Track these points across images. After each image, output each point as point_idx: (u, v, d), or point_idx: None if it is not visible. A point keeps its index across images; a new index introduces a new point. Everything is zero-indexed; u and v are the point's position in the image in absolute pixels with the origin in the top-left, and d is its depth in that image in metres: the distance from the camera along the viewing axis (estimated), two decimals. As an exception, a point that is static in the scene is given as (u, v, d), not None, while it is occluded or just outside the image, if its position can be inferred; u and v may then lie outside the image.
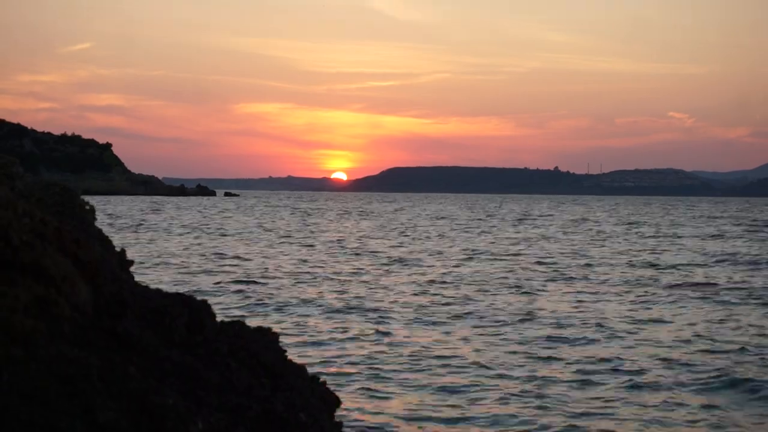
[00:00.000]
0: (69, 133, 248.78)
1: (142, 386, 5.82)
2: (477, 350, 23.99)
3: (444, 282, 40.92)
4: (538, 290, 38.14)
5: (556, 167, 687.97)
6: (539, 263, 50.78)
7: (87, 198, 7.83)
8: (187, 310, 6.69)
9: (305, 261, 50.05)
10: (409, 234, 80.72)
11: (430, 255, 54.58)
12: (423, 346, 24.19)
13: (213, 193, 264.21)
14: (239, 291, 36.42)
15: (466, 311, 31.82)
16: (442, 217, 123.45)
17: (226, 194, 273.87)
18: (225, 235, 71.18)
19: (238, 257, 51.27)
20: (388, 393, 18.69)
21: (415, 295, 35.80)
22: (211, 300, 7.11)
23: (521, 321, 29.76)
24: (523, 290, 37.88)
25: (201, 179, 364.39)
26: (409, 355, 22.79)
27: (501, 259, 51.94)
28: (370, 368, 20.93)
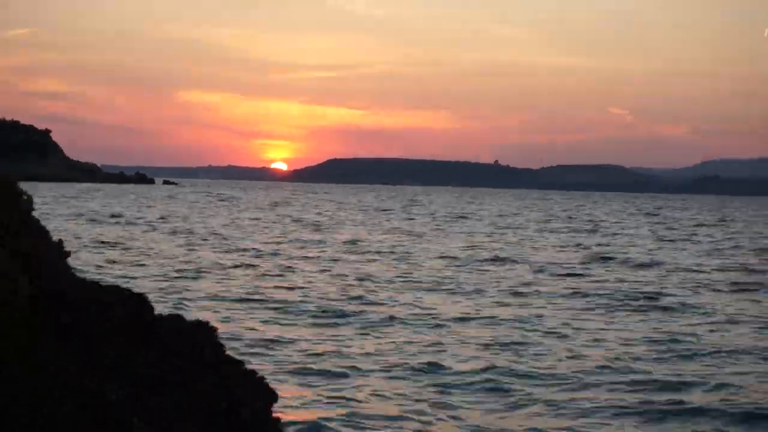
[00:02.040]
0: (8, 119, 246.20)
1: (81, 380, 5.79)
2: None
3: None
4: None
5: (496, 161, 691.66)
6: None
7: (23, 185, 7.74)
8: (126, 303, 6.66)
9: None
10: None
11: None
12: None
13: (152, 181, 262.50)
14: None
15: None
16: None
17: (165, 182, 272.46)
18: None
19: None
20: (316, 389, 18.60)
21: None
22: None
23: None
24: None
25: (141, 167, 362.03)
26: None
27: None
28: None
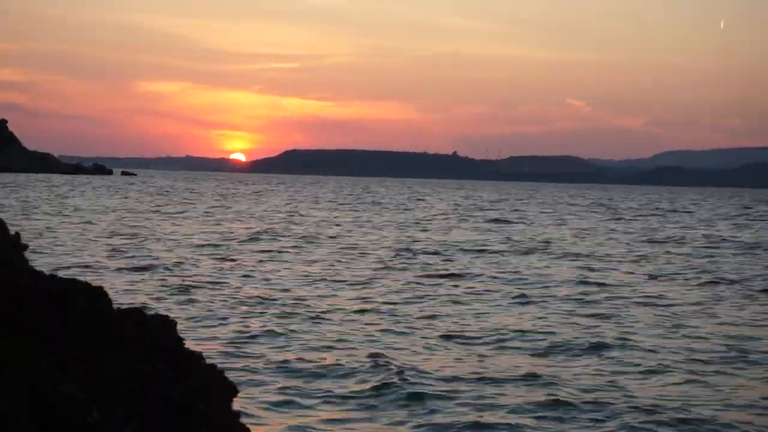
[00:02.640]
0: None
1: (39, 374, 5.76)
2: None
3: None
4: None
5: (455, 152, 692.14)
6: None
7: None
8: (85, 297, 6.64)
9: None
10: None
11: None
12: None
13: (110, 172, 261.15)
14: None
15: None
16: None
17: (123, 173, 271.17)
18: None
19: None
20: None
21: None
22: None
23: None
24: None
25: (99, 157, 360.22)
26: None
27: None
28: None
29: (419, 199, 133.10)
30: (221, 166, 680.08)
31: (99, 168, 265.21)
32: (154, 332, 6.57)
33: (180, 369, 6.56)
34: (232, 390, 7.00)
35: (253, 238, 51.10)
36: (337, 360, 19.84)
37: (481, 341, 22.45)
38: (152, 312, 7.09)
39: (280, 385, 17.73)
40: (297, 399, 16.96)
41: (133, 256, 39.76)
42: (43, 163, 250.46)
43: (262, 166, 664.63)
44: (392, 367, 19.02)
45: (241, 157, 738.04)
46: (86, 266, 35.73)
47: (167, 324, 6.74)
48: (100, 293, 6.56)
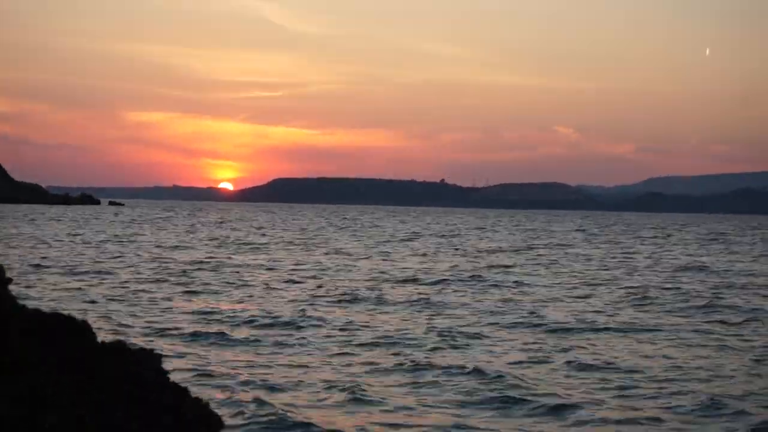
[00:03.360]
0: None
1: (18, 411, 5.74)
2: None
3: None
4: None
5: (443, 180, 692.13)
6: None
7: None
8: (69, 329, 6.61)
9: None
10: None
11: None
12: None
13: (97, 202, 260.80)
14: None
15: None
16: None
17: (111, 203, 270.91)
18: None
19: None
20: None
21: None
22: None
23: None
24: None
25: (87, 188, 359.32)
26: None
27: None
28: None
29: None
30: (209, 195, 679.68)
31: (87, 198, 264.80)
32: (138, 365, 6.55)
33: (165, 402, 6.53)
34: (218, 423, 6.97)
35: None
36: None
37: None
38: (137, 347, 7.07)
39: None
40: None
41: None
42: (31, 194, 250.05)
43: (250, 195, 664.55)
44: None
45: (229, 186, 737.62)
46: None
47: (151, 357, 6.71)
48: (83, 326, 6.54)
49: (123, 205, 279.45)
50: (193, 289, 39.64)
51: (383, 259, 60.75)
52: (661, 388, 20.53)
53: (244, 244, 77.11)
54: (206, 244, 74.86)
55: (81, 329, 6.69)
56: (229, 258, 59.02)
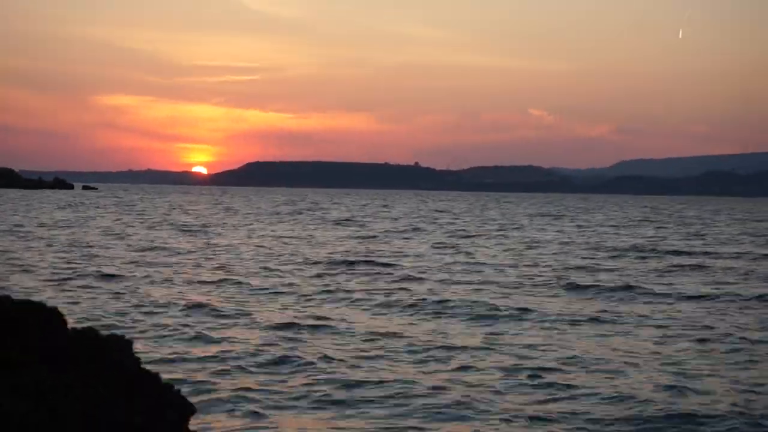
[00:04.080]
0: None
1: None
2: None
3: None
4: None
5: (417, 163, 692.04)
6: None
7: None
8: (39, 318, 6.61)
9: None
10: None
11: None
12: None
13: (71, 187, 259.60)
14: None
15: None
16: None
17: (84, 188, 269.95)
18: None
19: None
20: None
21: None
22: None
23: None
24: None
25: (61, 172, 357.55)
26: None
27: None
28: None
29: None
30: (183, 179, 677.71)
31: (60, 182, 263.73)
32: (110, 352, 6.55)
33: (137, 389, 6.54)
34: (190, 409, 6.98)
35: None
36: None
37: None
38: (109, 332, 7.07)
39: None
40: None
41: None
42: (4, 179, 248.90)
43: (223, 179, 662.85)
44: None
45: (203, 170, 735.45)
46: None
47: (123, 343, 6.71)
48: (53, 313, 6.54)
49: (96, 189, 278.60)
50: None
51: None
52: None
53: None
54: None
55: (50, 316, 6.69)
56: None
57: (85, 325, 7.04)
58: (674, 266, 45.82)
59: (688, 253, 54.65)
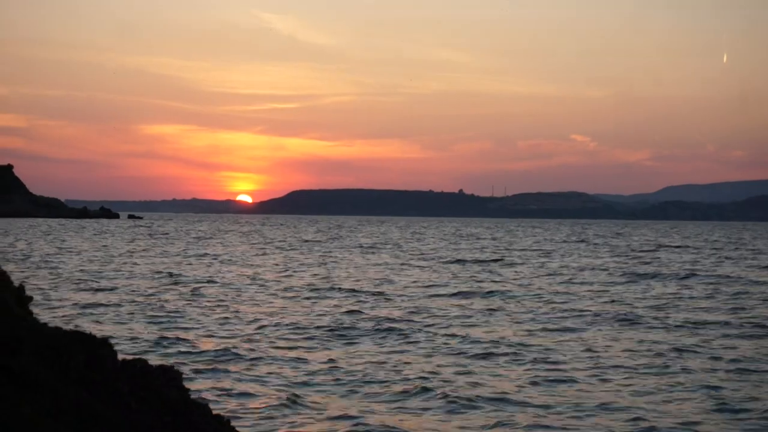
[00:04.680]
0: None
1: (35, 425, 5.64)
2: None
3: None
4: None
5: (461, 190, 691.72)
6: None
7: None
8: (86, 348, 6.52)
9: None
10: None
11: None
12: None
13: (116, 216, 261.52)
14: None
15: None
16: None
17: (130, 216, 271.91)
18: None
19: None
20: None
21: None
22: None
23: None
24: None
25: (105, 201, 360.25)
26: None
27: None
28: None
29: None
30: (227, 207, 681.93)
31: (105, 212, 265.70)
32: (158, 383, 6.45)
33: (185, 421, 6.44)
34: (238, 440, 6.86)
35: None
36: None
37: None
38: (157, 363, 6.97)
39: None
40: None
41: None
42: (50, 208, 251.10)
43: (268, 207, 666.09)
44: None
45: (247, 199, 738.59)
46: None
47: (172, 375, 6.61)
48: (102, 344, 6.45)
49: (141, 218, 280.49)
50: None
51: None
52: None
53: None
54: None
55: (101, 347, 6.59)
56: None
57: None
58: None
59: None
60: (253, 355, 25.27)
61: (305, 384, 21.45)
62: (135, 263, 64.42)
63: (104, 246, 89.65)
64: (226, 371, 22.78)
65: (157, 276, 52.75)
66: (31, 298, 7.23)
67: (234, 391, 20.43)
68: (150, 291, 43.82)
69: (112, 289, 44.20)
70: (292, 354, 25.73)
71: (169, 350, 25.98)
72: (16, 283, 7.52)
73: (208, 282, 49.28)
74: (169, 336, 28.64)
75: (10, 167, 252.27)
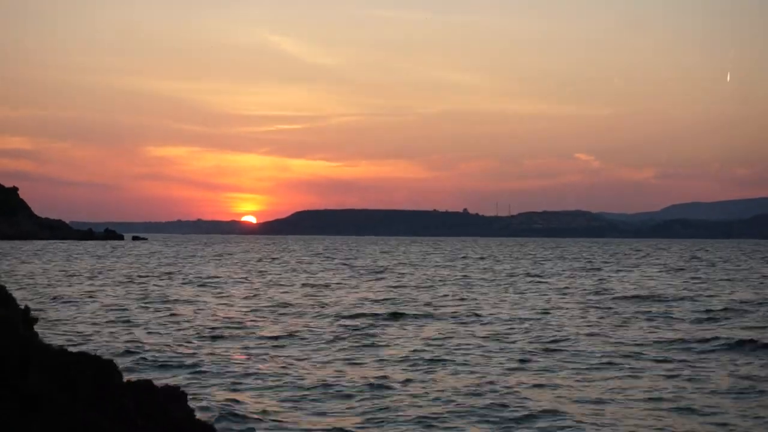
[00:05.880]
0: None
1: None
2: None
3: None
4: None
5: (465, 209, 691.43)
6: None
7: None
8: (92, 368, 6.61)
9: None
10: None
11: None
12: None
13: (121, 237, 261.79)
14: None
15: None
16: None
17: (135, 238, 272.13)
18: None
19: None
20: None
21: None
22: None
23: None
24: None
25: (110, 223, 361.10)
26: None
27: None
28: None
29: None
30: (232, 228, 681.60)
31: (110, 233, 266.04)
32: (164, 403, 6.53)
33: (190, 440, 6.51)
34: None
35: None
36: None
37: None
38: (162, 383, 7.05)
39: None
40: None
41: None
42: (55, 230, 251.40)
43: (272, 228, 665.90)
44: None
45: (252, 219, 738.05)
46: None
47: (177, 395, 6.69)
48: (108, 365, 6.53)
49: (146, 239, 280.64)
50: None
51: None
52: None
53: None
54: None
55: (106, 368, 6.68)
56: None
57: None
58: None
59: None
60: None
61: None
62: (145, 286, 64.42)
63: (107, 268, 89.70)
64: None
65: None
66: (36, 320, 7.32)
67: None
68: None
69: (123, 309, 44.39)
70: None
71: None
72: (21, 305, 7.61)
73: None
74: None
75: (15, 189, 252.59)
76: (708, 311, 45.32)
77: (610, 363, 28.07)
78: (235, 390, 22.80)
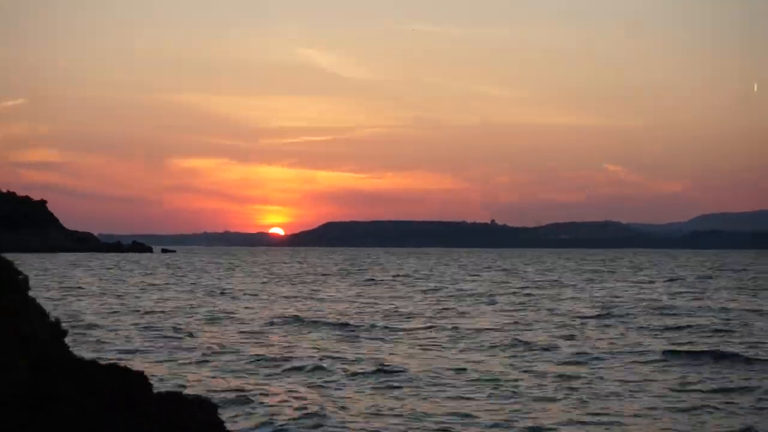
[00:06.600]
0: (3, 190, 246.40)
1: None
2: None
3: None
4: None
5: (493, 220, 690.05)
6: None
7: (21, 256, 7.68)
8: (122, 379, 6.65)
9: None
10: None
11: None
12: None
13: (149, 250, 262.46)
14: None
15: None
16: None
17: (163, 251, 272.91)
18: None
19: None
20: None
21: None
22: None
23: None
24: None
25: (138, 235, 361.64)
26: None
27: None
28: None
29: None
30: (260, 240, 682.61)
31: (138, 246, 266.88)
32: (193, 416, 6.56)
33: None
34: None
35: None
36: None
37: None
38: (192, 395, 7.09)
39: None
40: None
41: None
42: (84, 243, 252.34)
43: (300, 240, 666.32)
44: None
45: (279, 231, 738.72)
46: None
47: (207, 407, 6.73)
48: (137, 377, 6.58)
49: (174, 252, 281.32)
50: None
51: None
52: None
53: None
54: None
55: (136, 379, 6.72)
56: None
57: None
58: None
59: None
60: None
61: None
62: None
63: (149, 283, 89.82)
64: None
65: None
66: (66, 332, 7.37)
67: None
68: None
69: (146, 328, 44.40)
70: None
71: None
72: (52, 318, 7.66)
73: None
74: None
75: (44, 202, 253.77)
76: None
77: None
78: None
